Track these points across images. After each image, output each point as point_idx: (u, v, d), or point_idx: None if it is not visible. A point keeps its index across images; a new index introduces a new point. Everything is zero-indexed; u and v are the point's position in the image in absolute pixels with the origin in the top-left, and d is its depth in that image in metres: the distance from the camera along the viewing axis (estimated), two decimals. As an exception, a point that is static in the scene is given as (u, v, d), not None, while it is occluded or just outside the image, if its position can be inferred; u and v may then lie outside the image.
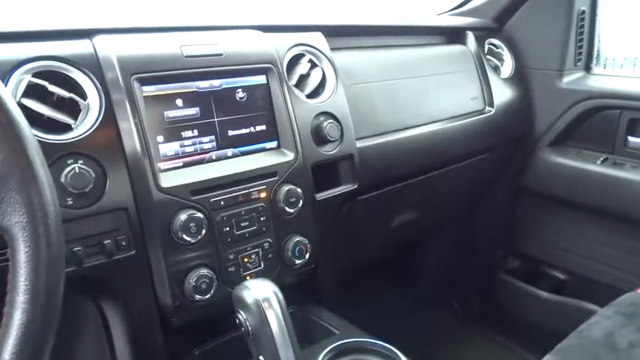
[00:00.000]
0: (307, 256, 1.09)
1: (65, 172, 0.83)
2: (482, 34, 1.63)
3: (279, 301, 0.81)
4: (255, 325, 0.81)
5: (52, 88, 0.86)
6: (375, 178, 1.30)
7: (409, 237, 1.79)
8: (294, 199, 1.05)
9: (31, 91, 0.85)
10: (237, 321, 0.83)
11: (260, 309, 0.80)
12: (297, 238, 1.08)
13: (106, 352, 0.97)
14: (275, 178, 1.05)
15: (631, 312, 1.24)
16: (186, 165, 0.98)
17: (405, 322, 1.92)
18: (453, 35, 1.59)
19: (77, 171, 0.83)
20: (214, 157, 1.01)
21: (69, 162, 0.84)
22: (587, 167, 1.64)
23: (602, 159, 1.63)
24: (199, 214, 0.94)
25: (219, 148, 1.02)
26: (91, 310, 0.95)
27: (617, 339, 1.16)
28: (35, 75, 0.86)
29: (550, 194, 1.78)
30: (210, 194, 0.97)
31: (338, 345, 0.98)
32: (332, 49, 1.25)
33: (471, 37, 1.56)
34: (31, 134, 0.52)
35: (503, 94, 1.61)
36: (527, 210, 1.90)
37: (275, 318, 0.80)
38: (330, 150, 1.17)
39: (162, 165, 0.95)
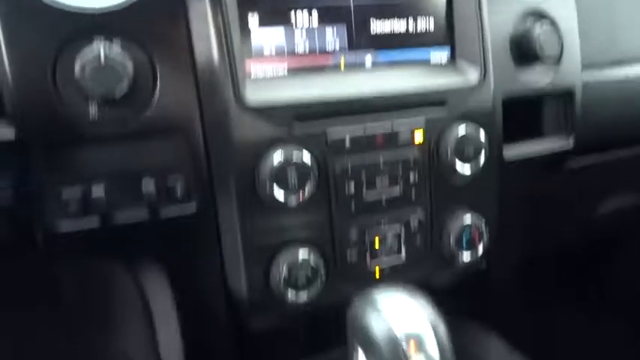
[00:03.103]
0: (480, 248, 0.64)
1: (82, 59, 0.47)
2: None
3: (442, 349, 0.40)
4: None
5: None
6: (599, 135, 0.79)
7: (615, 231, 1.23)
8: (471, 151, 0.60)
9: None
10: None
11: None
12: (467, 218, 0.63)
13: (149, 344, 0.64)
14: (443, 111, 0.61)
15: None
16: (293, 71, 0.58)
17: (587, 351, 1.39)
18: None
19: (103, 61, 0.47)
20: (342, 64, 0.60)
21: (94, 40, 0.49)
22: None
23: None
24: (307, 157, 0.53)
25: (352, 48, 0.60)
26: (128, 282, 0.61)
27: None
28: None
29: None
30: (328, 124, 0.56)
31: None
32: None
33: None
34: None
35: None
36: None
37: None
38: (537, 78, 0.69)
39: (254, 65, 0.56)
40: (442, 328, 0.42)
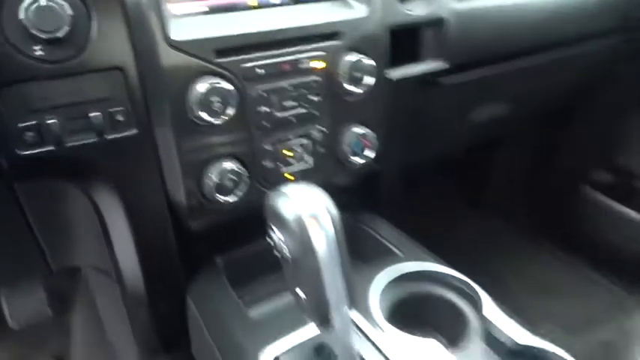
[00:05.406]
0: (370, 153, 0.81)
1: (25, 3, 0.55)
2: None
3: (332, 219, 0.55)
4: (295, 250, 0.56)
5: None
6: (468, 55, 0.96)
7: (488, 136, 1.47)
8: (361, 75, 0.75)
9: None
10: (270, 240, 0.59)
11: (303, 229, 0.54)
12: (359, 129, 0.79)
13: (106, 253, 0.76)
14: (337, 42, 0.74)
15: None
16: (212, 10, 0.68)
17: (468, 234, 1.68)
18: None
19: (43, 3, 0.55)
20: (253, 3, 0.70)
21: None
22: None
23: None
24: (227, 85, 0.65)
25: (261, -11, 0.71)
26: (85, 202, 0.72)
27: None
28: None
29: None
30: (244, 57, 0.68)
31: (407, 273, 0.75)
32: None
33: None
34: None
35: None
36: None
37: (324, 243, 0.54)
38: (417, 9, 0.83)
39: (176, 7, 0.65)
40: (334, 210, 0.57)
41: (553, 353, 0.62)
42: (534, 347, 0.62)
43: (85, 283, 1.19)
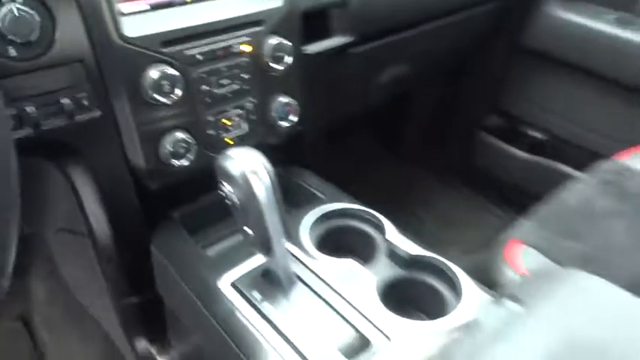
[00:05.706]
0: (293, 117, 0.99)
1: (0, 14, 0.66)
2: None
3: (267, 173, 0.72)
4: (242, 198, 0.73)
5: None
6: (371, 28, 1.14)
7: (396, 92, 1.69)
8: (281, 54, 0.91)
9: None
10: (221, 192, 0.76)
11: (247, 182, 0.71)
12: (284, 99, 0.96)
13: (78, 215, 0.90)
14: (261, 28, 0.90)
15: (608, 179, 1.22)
16: (154, 7, 0.81)
17: (386, 178, 1.92)
18: None
19: (16, 14, 0.66)
20: (188, -1, 0.84)
21: (3, 0, 0.67)
22: (595, 26, 1.51)
23: (614, 17, 1.49)
24: (173, 71, 0.80)
25: (193, -13, 0.84)
26: (57, 175, 0.85)
27: (594, 206, 1.16)
28: None
29: (546, 53, 1.67)
30: (185, 46, 0.82)
31: (329, 212, 0.93)
32: None
33: None
34: None
35: None
36: (519, 69, 1.80)
37: (263, 191, 0.71)
38: (323, -6, 1.00)
39: (125, 6, 0.78)
40: (269, 166, 0.74)
41: (438, 260, 0.85)
42: (423, 255, 0.84)
43: (42, 247, 1.30)
